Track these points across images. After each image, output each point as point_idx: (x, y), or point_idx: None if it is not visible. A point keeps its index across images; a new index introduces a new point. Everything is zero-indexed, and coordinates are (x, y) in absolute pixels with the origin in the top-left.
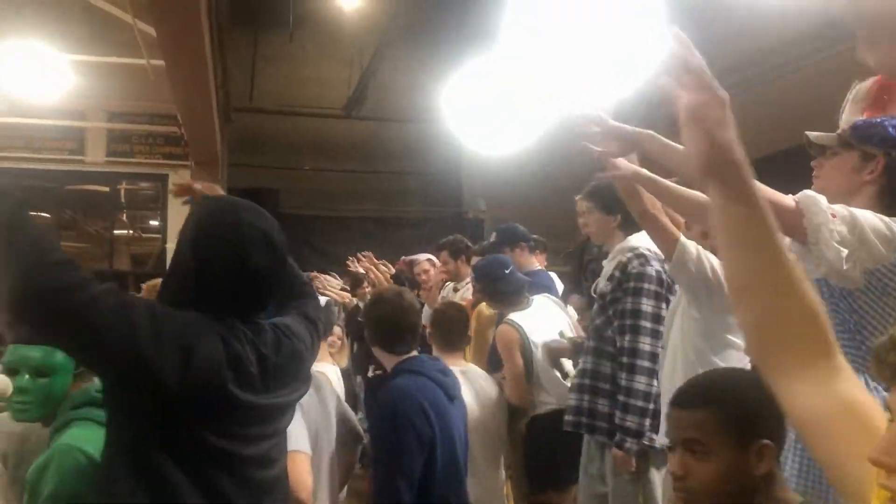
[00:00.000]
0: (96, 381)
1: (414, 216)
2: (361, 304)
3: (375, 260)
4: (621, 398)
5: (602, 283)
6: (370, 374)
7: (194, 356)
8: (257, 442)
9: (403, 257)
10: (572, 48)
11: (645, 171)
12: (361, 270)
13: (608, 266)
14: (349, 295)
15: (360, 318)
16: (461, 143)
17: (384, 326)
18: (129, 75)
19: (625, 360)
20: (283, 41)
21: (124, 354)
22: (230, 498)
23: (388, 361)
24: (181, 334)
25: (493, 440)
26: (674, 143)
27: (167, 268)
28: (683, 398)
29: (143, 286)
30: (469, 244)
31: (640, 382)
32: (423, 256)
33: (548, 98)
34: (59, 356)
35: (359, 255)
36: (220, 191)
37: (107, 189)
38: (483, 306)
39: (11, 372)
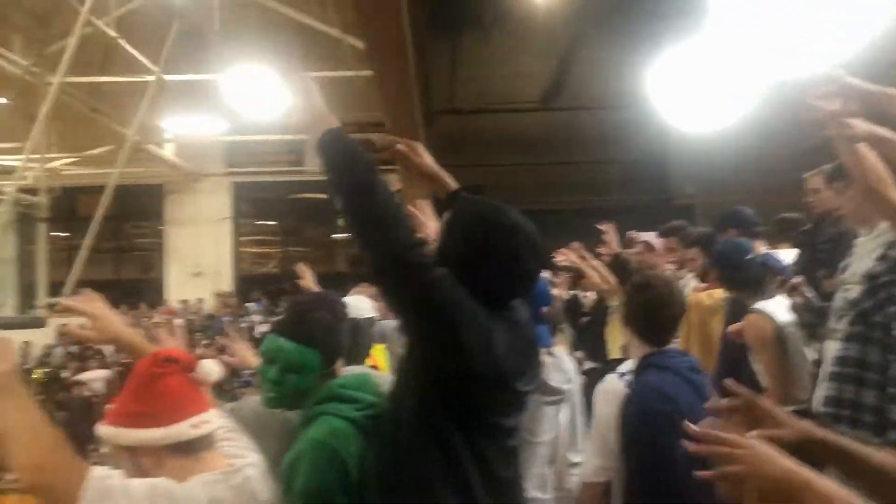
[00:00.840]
0: (338, 379)
1: (616, 206)
2: (579, 296)
3: (585, 252)
4: None
5: (862, 264)
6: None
7: (493, 345)
8: (514, 417)
9: (631, 233)
10: (795, 10)
11: (882, 130)
12: (569, 263)
13: (870, 244)
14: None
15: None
16: (668, 126)
17: (645, 312)
18: (339, 88)
19: None
20: (480, 41)
21: (450, 333)
22: (494, 465)
23: (638, 349)
24: (487, 325)
25: None
26: None
27: None
28: None
29: (359, 286)
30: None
31: None
32: (643, 236)
33: (765, 67)
34: (311, 357)
35: (571, 246)
36: (423, 151)
37: (324, 196)
38: (703, 295)
39: (268, 361)
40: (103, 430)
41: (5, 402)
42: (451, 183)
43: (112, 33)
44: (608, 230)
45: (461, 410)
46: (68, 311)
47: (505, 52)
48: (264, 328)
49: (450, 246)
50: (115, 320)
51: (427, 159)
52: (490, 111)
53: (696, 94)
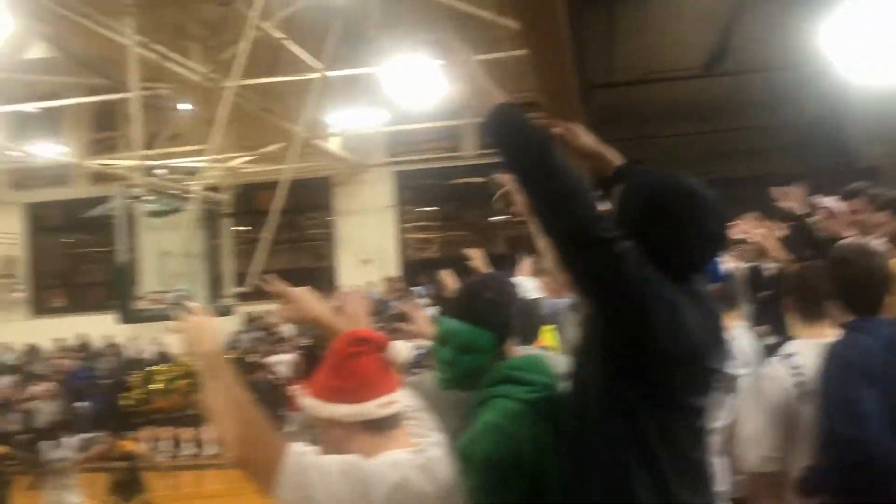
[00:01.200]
0: (510, 360)
1: (789, 172)
2: (760, 268)
3: (761, 222)
4: None
5: None
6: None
7: (681, 320)
8: (703, 396)
9: (814, 198)
10: None
11: None
12: (744, 236)
13: None
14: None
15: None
16: (845, 84)
17: (846, 288)
18: (492, 70)
19: None
20: (638, 10)
21: (637, 308)
22: (684, 445)
23: (842, 318)
24: (674, 299)
25: None
26: None
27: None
28: None
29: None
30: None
31: None
32: (824, 202)
33: None
34: (484, 337)
35: (746, 217)
36: (581, 131)
37: (481, 180)
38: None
39: (440, 341)
40: (305, 400)
41: (212, 382)
42: (616, 158)
43: (278, 35)
44: (789, 193)
45: (649, 389)
46: (273, 294)
47: (663, 20)
48: (432, 311)
49: (627, 219)
50: (313, 302)
51: (586, 139)
52: (650, 81)
53: (878, 46)
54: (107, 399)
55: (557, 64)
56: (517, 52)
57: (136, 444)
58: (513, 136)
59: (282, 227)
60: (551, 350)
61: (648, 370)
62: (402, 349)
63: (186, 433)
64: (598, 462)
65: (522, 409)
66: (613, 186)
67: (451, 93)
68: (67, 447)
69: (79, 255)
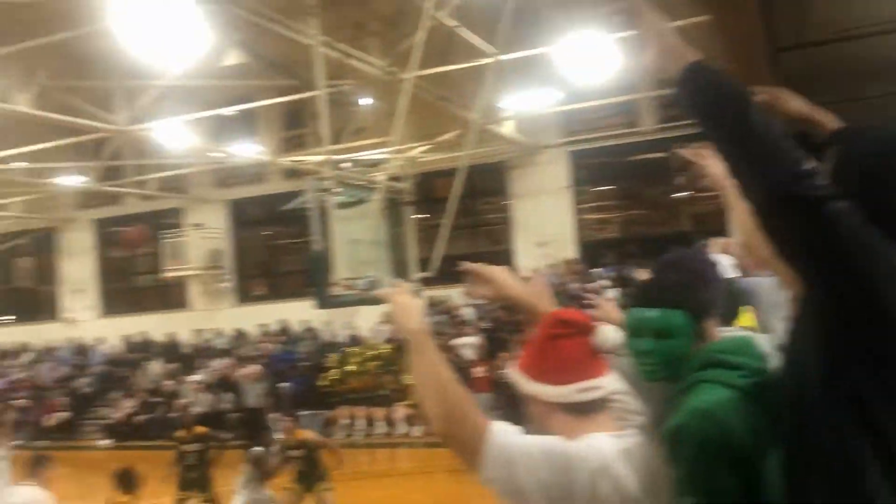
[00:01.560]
0: (715, 342)
1: None
2: None
3: None
4: None
5: None
6: None
7: None
8: None
9: None
10: None
11: None
12: None
13: None
14: None
15: None
16: None
17: None
18: None
19: None
20: None
21: (860, 278)
22: None
23: None
24: None
25: None
26: None
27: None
28: None
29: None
30: None
31: None
32: None
33: None
34: (679, 318)
35: None
36: (788, 96)
37: (662, 155)
38: None
39: (634, 334)
40: (513, 373)
41: (417, 359)
42: (830, 121)
43: (452, 23)
44: None
45: (883, 372)
46: (470, 273)
47: None
48: (613, 294)
49: (845, 183)
50: (511, 281)
51: (795, 103)
52: (846, 39)
53: None
54: (306, 380)
55: (744, 26)
56: (695, 19)
57: (310, 431)
58: (708, 94)
59: (460, 212)
60: (752, 331)
61: (880, 350)
62: (610, 333)
63: (378, 412)
64: (823, 456)
65: (733, 394)
66: (828, 151)
67: (640, 59)
68: (274, 451)
69: (277, 247)
